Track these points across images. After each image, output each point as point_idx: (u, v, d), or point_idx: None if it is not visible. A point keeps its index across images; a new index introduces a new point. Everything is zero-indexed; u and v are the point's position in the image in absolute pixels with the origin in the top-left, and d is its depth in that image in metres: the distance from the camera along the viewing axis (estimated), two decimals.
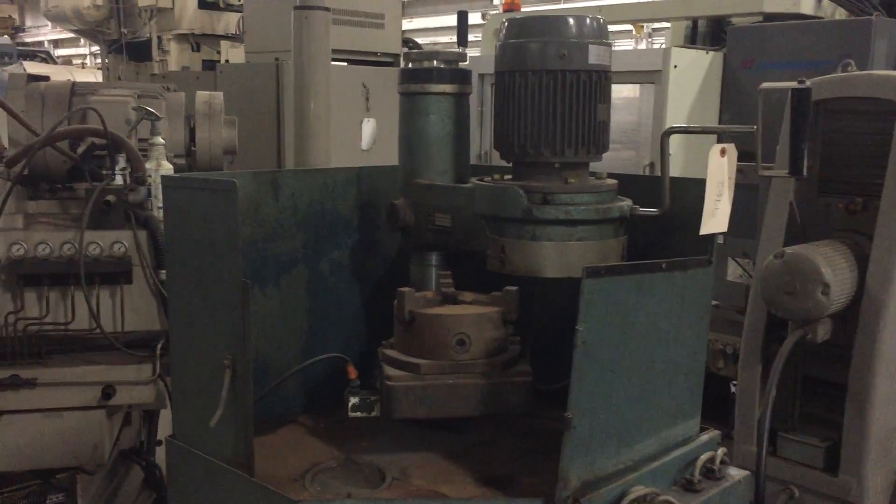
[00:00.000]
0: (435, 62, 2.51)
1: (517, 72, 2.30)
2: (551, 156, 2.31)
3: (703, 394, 2.36)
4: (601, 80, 2.31)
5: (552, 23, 2.29)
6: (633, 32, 16.26)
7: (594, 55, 2.28)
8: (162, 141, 3.72)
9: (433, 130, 2.51)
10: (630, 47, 15.96)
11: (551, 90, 2.27)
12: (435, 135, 2.52)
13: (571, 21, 2.29)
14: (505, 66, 2.34)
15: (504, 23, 2.38)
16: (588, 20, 2.30)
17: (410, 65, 2.54)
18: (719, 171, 2.16)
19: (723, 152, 2.16)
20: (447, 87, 2.50)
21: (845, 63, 3.35)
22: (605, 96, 2.34)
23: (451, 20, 8.76)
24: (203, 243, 2.15)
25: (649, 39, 15.92)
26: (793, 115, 2.06)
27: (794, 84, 2.04)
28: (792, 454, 3.25)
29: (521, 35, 2.32)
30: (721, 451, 2.31)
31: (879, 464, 3.09)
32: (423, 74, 2.51)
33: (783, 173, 2.11)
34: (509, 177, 2.43)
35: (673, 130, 2.25)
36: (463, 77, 2.54)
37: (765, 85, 2.24)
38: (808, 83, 2.04)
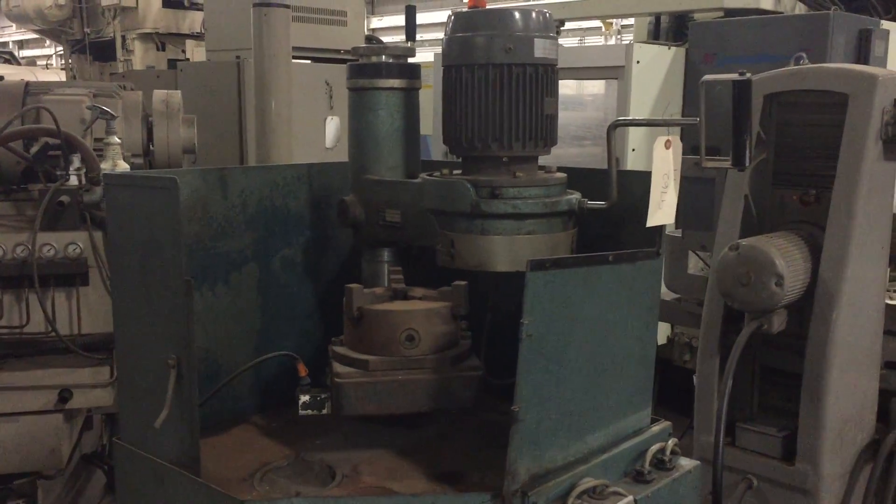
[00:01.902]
0: (383, 57, 2.50)
1: (463, 66, 2.29)
2: (499, 150, 2.30)
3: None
4: (548, 73, 2.30)
5: (498, 16, 2.27)
6: (603, 29, 16.31)
7: (540, 49, 2.27)
8: (118, 140, 3.69)
9: (382, 126, 2.50)
10: (600, 44, 16.01)
11: (497, 84, 2.26)
12: (384, 130, 2.50)
13: (517, 15, 2.27)
14: (451, 60, 2.33)
15: (450, 17, 2.37)
16: (534, 14, 2.29)
17: (359, 60, 2.53)
18: (664, 163, 2.17)
19: (667, 144, 2.17)
20: (395, 82, 2.49)
21: (798, 56, 3.37)
22: (553, 90, 2.33)
23: (422, 18, 8.73)
24: (146, 242, 2.12)
25: (619, 36, 15.96)
26: (734, 107, 2.07)
27: (735, 76, 2.04)
28: (750, 444, 3.27)
29: (467, 29, 2.30)
30: (672, 441, 2.31)
31: (835, 452, 3.12)
32: (370, 70, 2.50)
33: (726, 164, 2.12)
34: (458, 171, 2.42)
35: (618, 123, 2.26)
36: (412, 72, 2.52)
37: (706, 77, 2.25)
38: (748, 75, 2.05)
